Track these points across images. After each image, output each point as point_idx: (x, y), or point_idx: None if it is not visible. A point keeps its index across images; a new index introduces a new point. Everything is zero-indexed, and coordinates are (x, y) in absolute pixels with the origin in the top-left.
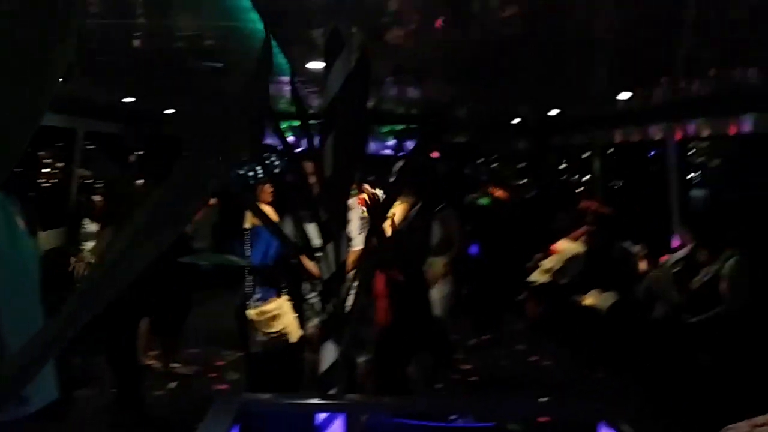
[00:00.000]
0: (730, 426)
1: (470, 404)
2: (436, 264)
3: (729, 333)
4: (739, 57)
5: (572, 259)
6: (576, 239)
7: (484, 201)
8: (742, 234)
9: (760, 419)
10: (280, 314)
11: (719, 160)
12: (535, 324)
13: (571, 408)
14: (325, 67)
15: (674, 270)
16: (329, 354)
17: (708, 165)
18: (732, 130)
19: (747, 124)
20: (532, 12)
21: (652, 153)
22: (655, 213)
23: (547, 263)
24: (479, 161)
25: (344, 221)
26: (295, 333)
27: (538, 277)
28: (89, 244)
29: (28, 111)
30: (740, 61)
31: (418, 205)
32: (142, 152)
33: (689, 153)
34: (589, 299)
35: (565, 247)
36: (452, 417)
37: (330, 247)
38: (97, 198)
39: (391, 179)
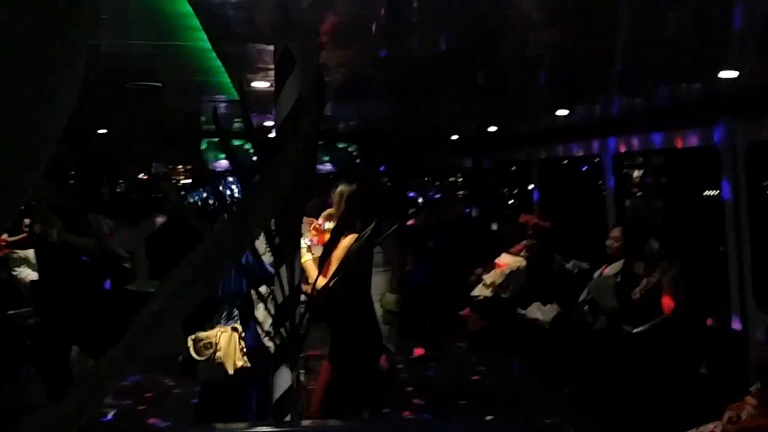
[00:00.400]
0: None
1: (424, 427)
2: (388, 300)
3: (671, 342)
4: (669, 74)
5: (514, 273)
6: (517, 253)
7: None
8: (678, 245)
9: (703, 428)
10: (214, 342)
11: (654, 172)
12: (478, 338)
13: (516, 427)
14: (275, 86)
15: (614, 281)
16: (283, 380)
17: (642, 178)
18: (664, 144)
19: (678, 139)
20: (468, 30)
21: (585, 167)
22: (592, 226)
23: (489, 277)
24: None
25: (297, 244)
26: (230, 363)
27: (480, 291)
28: (22, 270)
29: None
30: (669, 78)
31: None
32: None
33: (624, 166)
34: (531, 312)
35: (507, 261)
36: None
37: (283, 270)
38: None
39: (335, 205)
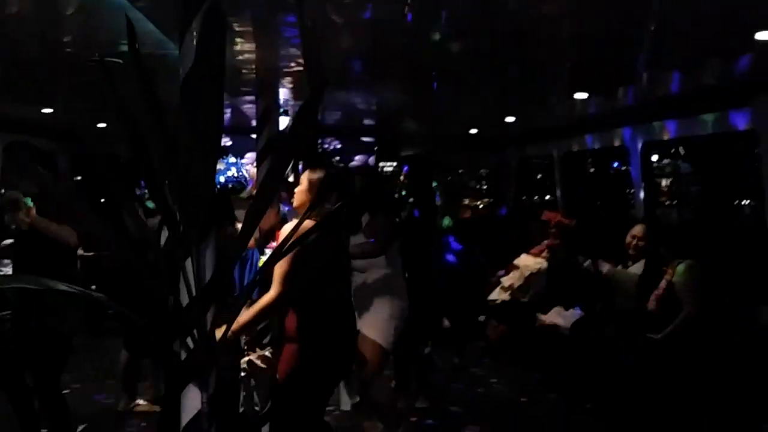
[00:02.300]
0: None
1: None
2: None
3: (696, 344)
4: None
5: (534, 276)
6: (538, 254)
7: (446, 222)
8: (692, 242)
9: None
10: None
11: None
12: (496, 346)
13: None
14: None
15: (635, 279)
16: (192, 402)
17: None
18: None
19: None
20: (487, 19)
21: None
22: (619, 224)
23: (507, 280)
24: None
25: (205, 232)
26: None
27: (497, 295)
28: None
29: None
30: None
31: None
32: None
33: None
34: (551, 317)
35: (526, 262)
36: None
37: (188, 264)
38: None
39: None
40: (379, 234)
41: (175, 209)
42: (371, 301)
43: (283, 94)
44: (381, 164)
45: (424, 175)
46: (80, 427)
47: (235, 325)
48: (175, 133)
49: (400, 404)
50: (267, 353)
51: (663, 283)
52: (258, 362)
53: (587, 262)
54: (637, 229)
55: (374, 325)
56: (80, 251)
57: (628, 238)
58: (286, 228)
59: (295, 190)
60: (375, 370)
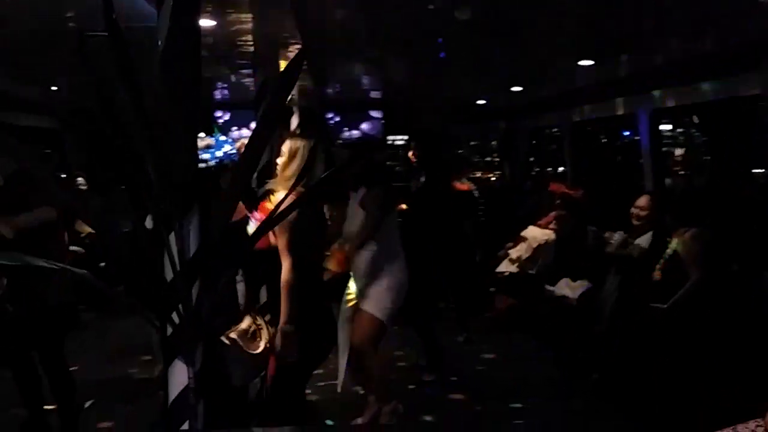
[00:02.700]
0: None
1: None
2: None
3: (702, 313)
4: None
5: (542, 247)
6: (545, 225)
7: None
8: (700, 211)
9: (743, 428)
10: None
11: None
12: (503, 318)
13: None
14: None
15: (640, 252)
16: (178, 377)
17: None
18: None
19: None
20: None
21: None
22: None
23: (515, 252)
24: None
25: (188, 205)
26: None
27: (505, 267)
28: None
29: None
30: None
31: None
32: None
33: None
34: (559, 289)
35: (533, 234)
36: None
37: (171, 238)
38: None
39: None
40: (372, 207)
41: (156, 184)
42: (368, 274)
43: (283, 66)
44: (391, 138)
45: (434, 148)
46: (88, 403)
47: (283, 317)
48: (153, 107)
49: (429, 377)
50: (246, 326)
51: (669, 251)
52: (239, 341)
53: (593, 233)
54: (641, 200)
55: (371, 297)
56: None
57: (633, 210)
58: (276, 200)
59: (277, 160)
60: (370, 343)
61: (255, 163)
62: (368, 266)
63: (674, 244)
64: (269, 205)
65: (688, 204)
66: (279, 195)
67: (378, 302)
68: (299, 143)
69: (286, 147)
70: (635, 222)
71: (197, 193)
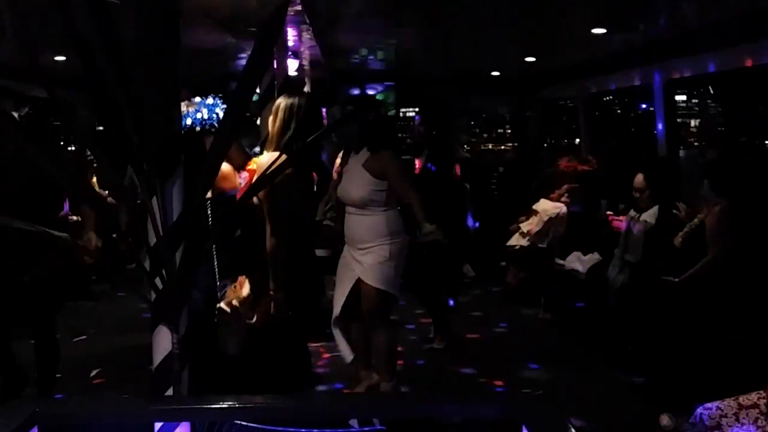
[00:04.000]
0: (716, 404)
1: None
2: (428, 230)
3: (717, 289)
4: None
5: (553, 221)
6: (557, 198)
7: None
8: (727, 183)
9: (744, 399)
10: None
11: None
12: (513, 291)
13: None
14: None
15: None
16: (163, 343)
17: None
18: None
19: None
20: None
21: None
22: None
23: (526, 226)
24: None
25: (170, 169)
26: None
27: (516, 241)
28: None
29: None
30: None
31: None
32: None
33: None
34: (569, 262)
35: (545, 207)
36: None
37: (155, 202)
38: None
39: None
40: (393, 163)
41: (138, 148)
42: (368, 240)
43: (290, 34)
44: (403, 110)
45: (441, 121)
46: (94, 371)
47: (273, 284)
48: (132, 68)
49: (437, 345)
50: (247, 293)
51: (696, 221)
52: (226, 308)
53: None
54: (637, 180)
55: (372, 271)
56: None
57: (635, 193)
58: (263, 161)
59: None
60: (380, 315)
61: (236, 121)
62: (370, 232)
63: (704, 215)
64: (253, 166)
65: (725, 175)
66: (265, 155)
67: (382, 274)
68: (281, 101)
69: (277, 103)
70: (639, 204)
71: (177, 156)
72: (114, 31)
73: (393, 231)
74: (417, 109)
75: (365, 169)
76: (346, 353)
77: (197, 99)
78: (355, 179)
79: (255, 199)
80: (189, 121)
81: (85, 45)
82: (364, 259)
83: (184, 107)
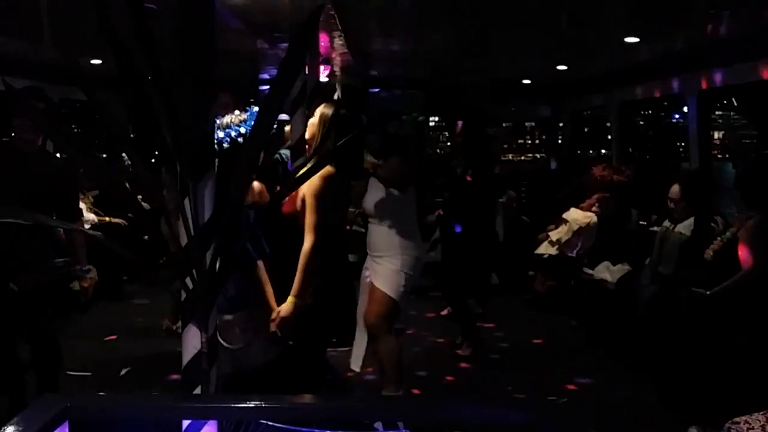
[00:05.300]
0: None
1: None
2: None
3: (750, 303)
4: None
5: (583, 230)
6: (588, 208)
7: None
8: (760, 196)
9: (752, 418)
10: None
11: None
12: (540, 299)
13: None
14: None
15: (680, 239)
16: (192, 342)
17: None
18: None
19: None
20: None
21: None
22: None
23: (555, 235)
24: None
25: (201, 172)
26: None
27: (545, 249)
28: None
29: None
30: None
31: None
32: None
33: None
34: (598, 272)
35: (575, 216)
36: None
37: (187, 204)
38: None
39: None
40: (394, 178)
41: (172, 149)
42: (383, 250)
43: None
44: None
45: (478, 130)
46: (123, 371)
47: (295, 290)
48: (169, 70)
49: (464, 352)
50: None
51: (728, 235)
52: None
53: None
54: (673, 191)
55: (384, 275)
56: None
57: (670, 203)
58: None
59: (309, 121)
60: (383, 321)
61: (266, 130)
62: (384, 242)
63: (737, 228)
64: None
65: (757, 187)
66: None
67: (391, 281)
68: (327, 110)
69: (317, 111)
70: (674, 214)
71: (210, 160)
72: (151, 32)
73: (406, 244)
74: (456, 116)
75: (377, 177)
76: (356, 361)
77: (238, 112)
78: (371, 190)
79: (296, 206)
80: (243, 130)
81: (122, 47)
82: (378, 265)
83: (233, 118)
